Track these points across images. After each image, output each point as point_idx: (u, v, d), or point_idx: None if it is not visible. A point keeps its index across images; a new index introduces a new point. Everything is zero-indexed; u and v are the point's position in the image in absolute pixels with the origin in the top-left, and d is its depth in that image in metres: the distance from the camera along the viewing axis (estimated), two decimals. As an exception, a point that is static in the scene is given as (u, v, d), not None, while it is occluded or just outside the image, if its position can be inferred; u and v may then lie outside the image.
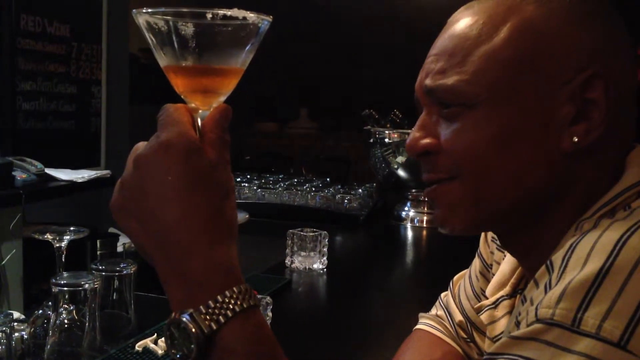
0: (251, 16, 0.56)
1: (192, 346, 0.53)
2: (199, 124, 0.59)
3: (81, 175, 2.53)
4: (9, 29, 2.83)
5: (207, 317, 0.53)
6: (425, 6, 3.91)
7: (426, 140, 0.69)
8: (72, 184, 2.45)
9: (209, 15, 0.55)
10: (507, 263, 0.80)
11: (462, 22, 0.68)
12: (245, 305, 0.54)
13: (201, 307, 0.53)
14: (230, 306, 0.53)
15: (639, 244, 0.51)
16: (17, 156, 2.43)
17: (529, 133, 0.64)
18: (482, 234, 0.91)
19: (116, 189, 0.58)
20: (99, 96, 3.41)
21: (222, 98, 0.60)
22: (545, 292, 0.52)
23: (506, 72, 0.64)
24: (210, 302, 0.53)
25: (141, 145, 0.57)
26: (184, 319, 0.53)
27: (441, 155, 0.68)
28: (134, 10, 0.57)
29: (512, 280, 0.79)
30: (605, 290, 0.49)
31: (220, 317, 0.53)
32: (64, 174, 2.51)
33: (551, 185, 0.65)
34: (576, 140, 0.63)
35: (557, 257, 0.54)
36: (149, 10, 0.56)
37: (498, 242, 0.86)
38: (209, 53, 0.57)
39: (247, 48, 0.58)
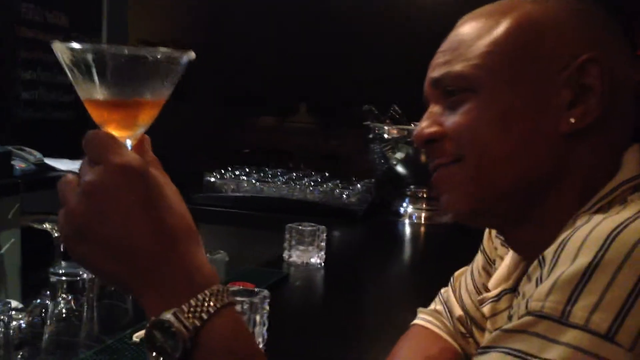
0: (169, 52, 0.57)
1: (178, 345, 0.53)
2: None
3: (80, 165, 2.52)
4: (10, 18, 2.82)
5: (190, 315, 0.54)
6: (425, 5, 3.91)
7: (432, 129, 0.73)
8: (71, 174, 2.45)
9: (127, 52, 0.56)
10: (510, 257, 0.81)
11: (466, 24, 0.73)
12: (225, 302, 0.56)
13: (183, 306, 0.54)
14: (212, 303, 0.55)
15: (629, 239, 0.51)
16: (16, 145, 2.43)
17: (528, 115, 0.68)
18: (487, 230, 0.92)
19: (63, 221, 0.58)
20: (99, 87, 3.40)
21: (143, 129, 0.61)
22: (537, 286, 0.53)
23: (506, 58, 0.69)
24: (192, 300, 0.55)
25: (72, 177, 0.58)
26: (168, 318, 0.54)
27: (446, 141, 0.72)
28: (52, 41, 0.57)
29: (515, 274, 0.79)
30: (595, 284, 0.50)
31: (203, 314, 0.54)
32: (62, 164, 2.50)
33: (549, 166, 0.68)
34: (573, 121, 0.66)
35: (548, 252, 0.56)
36: (68, 44, 0.56)
37: (502, 237, 0.87)
38: (126, 87, 0.58)
39: (165, 83, 0.59)
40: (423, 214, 2.36)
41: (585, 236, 0.53)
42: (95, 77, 0.57)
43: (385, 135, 2.35)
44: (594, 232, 0.53)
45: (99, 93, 0.58)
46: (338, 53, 3.93)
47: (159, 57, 0.57)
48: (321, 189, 2.41)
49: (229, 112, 3.70)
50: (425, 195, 2.38)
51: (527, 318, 0.52)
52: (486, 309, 0.82)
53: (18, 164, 2.28)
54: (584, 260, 0.51)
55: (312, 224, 1.66)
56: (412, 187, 2.39)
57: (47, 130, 3.02)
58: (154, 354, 0.55)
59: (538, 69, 0.68)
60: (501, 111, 0.68)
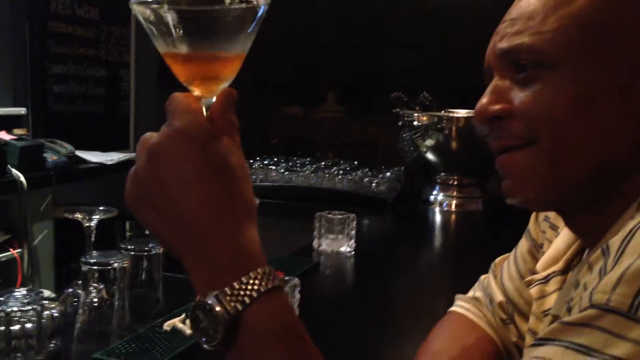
0: (245, 3, 0.56)
1: (219, 328, 0.53)
2: (204, 111, 0.59)
3: (110, 157, 2.56)
4: (40, 12, 2.85)
5: (233, 298, 0.53)
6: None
7: (497, 106, 0.67)
8: (101, 166, 2.49)
9: (206, 2, 0.54)
10: (561, 239, 0.78)
11: None
12: (269, 286, 0.54)
13: (226, 289, 0.53)
14: (255, 287, 0.53)
15: None
16: (48, 138, 2.47)
17: (610, 97, 0.62)
18: (533, 214, 0.89)
19: (129, 180, 0.58)
20: (128, 79, 3.43)
21: (226, 84, 0.60)
22: (600, 277, 0.50)
23: (588, 35, 0.62)
24: (235, 283, 0.53)
25: (150, 135, 0.57)
26: (210, 301, 0.53)
27: (514, 120, 0.66)
28: (131, 1, 0.56)
29: (566, 256, 0.76)
30: None
31: (246, 297, 0.53)
32: (93, 156, 2.54)
33: (630, 152, 0.62)
34: None
35: (614, 242, 0.52)
36: (145, 2, 0.55)
37: (550, 220, 0.84)
38: (208, 40, 0.57)
39: (247, 32, 0.57)
40: (454, 202, 2.33)
41: None
42: (174, 33, 0.56)
43: (415, 123, 2.33)
44: None
45: (179, 49, 0.57)
46: (366, 41, 3.91)
47: (235, 7, 0.55)
48: (350, 178, 2.40)
49: (256, 102, 3.70)
50: (455, 183, 2.35)
51: (591, 311, 0.49)
52: (534, 290, 0.79)
53: (50, 157, 2.32)
54: None
55: (342, 212, 1.65)
56: (442, 174, 2.37)
57: (78, 123, 3.05)
58: (199, 334, 0.54)
59: (620, 47, 0.62)
60: (580, 92, 0.62)
